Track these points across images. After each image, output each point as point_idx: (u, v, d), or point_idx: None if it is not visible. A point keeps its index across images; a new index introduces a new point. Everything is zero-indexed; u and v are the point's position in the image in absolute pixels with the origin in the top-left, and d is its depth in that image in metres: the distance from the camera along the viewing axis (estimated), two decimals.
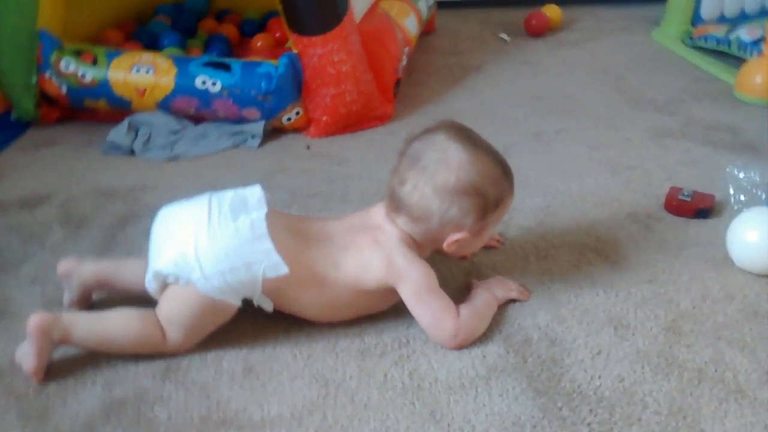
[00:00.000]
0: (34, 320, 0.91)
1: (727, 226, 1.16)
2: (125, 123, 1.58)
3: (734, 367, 0.94)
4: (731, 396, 0.90)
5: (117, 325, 0.95)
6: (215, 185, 1.41)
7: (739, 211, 1.19)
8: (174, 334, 0.95)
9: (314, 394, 0.90)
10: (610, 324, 1.02)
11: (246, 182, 1.41)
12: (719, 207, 1.32)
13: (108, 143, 1.56)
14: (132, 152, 1.55)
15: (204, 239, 0.94)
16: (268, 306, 0.97)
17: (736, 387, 0.91)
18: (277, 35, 2.03)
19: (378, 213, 1.03)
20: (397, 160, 1.01)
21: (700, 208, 1.29)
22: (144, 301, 0.99)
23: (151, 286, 0.97)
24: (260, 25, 2.14)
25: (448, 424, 0.86)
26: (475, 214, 0.97)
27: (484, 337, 0.99)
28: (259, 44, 1.98)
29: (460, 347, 0.97)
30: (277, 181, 1.44)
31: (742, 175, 1.31)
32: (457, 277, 1.12)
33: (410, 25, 2.00)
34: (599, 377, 0.93)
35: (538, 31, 2.40)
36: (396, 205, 0.99)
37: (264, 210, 0.97)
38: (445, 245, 0.99)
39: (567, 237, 1.23)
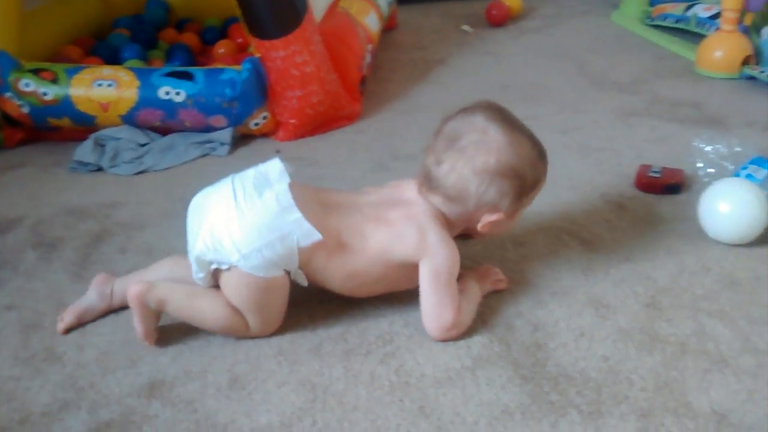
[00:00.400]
0: (133, 290, 0.96)
1: (698, 200, 1.18)
2: (91, 140, 1.56)
3: (716, 338, 0.96)
4: (715, 366, 0.91)
5: (206, 308, 0.98)
6: (187, 196, 1.40)
7: (709, 183, 1.20)
8: (251, 320, 0.97)
9: (302, 400, 0.90)
10: (591, 305, 1.03)
11: None
12: (689, 181, 1.33)
13: (75, 161, 1.54)
14: (100, 169, 1.53)
15: (234, 221, 0.94)
16: (303, 281, 0.98)
17: (718, 357, 0.92)
18: (239, 41, 2.02)
19: (410, 189, 1.03)
20: (433, 140, 1.01)
21: (670, 184, 1.30)
22: None
23: (198, 276, 0.98)
24: (221, 32, 2.12)
25: (438, 418, 0.86)
26: (512, 196, 0.98)
27: (468, 328, 0.99)
28: (221, 51, 1.97)
29: (448, 340, 0.97)
30: None
31: (708, 148, 1.33)
32: None
33: (371, 23, 2.00)
34: (584, 359, 0.93)
35: (500, 20, 2.42)
36: (431, 184, 1.00)
37: (286, 181, 0.97)
38: (479, 226, 1.00)
39: (542, 222, 1.24)
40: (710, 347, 0.94)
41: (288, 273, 0.97)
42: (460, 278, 1.03)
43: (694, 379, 0.89)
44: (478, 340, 0.97)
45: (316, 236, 0.94)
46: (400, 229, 0.98)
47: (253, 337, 0.99)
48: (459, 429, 0.84)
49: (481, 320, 1.01)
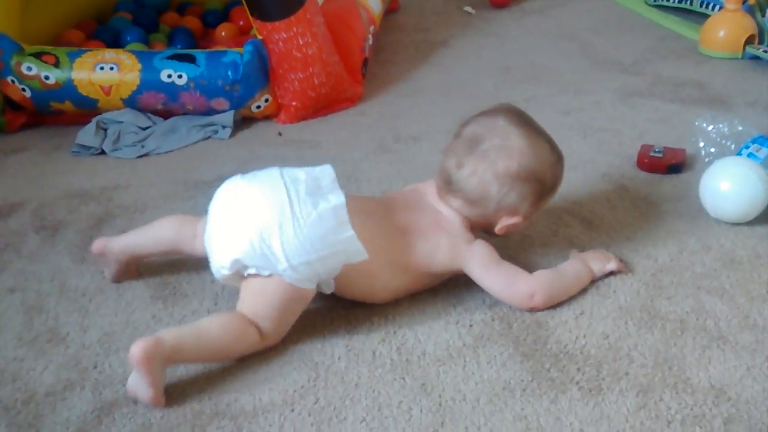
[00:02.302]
0: (138, 351, 0.83)
1: (700, 179, 1.18)
2: (93, 123, 1.56)
3: (715, 315, 0.96)
4: (714, 343, 0.91)
5: (217, 333, 0.91)
6: (189, 179, 1.41)
7: (710, 163, 1.20)
8: (268, 328, 0.93)
9: (304, 378, 0.91)
10: (591, 283, 1.03)
11: (220, 173, 1.42)
12: (691, 161, 1.33)
13: (77, 145, 1.54)
14: (102, 152, 1.53)
15: (290, 229, 0.91)
16: (328, 289, 0.97)
17: (718, 334, 0.93)
18: (241, 23, 2.01)
19: (430, 192, 1.04)
20: (452, 143, 1.02)
21: (672, 164, 1.30)
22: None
23: (222, 272, 0.95)
24: (223, 15, 2.12)
25: (440, 395, 0.87)
26: (532, 200, 1.00)
27: (469, 307, 1.00)
28: (223, 34, 1.96)
29: (538, 309, 0.97)
30: (251, 170, 1.41)
31: (710, 128, 1.33)
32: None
33: (374, 4, 1.99)
34: (584, 336, 0.94)
35: (502, 1, 2.40)
36: (451, 187, 1.00)
37: (342, 196, 0.95)
38: (497, 229, 1.01)
39: None
40: (710, 324, 0.95)
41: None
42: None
43: (693, 355, 0.90)
44: (479, 319, 0.98)
45: (364, 256, 0.94)
46: (433, 242, 0.99)
47: (262, 349, 0.94)
48: (460, 406, 0.85)
49: (482, 299, 1.01)
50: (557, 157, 1.02)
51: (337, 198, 0.95)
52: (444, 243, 0.99)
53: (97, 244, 1.08)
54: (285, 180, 0.96)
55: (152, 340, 0.85)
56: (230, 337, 0.91)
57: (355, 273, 0.95)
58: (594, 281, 1.03)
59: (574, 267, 1.03)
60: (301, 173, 0.98)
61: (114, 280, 1.09)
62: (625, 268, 1.05)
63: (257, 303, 0.93)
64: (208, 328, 0.91)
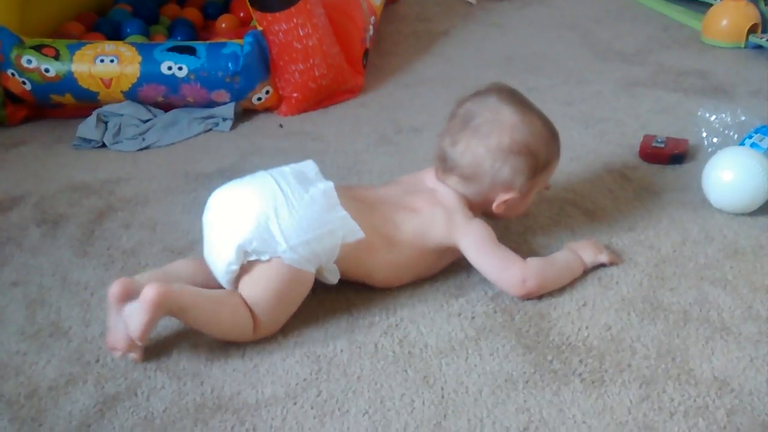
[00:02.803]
0: (151, 295, 0.86)
1: (702, 169, 1.17)
2: (94, 116, 1.56)
3: (718, 306, 0.96)
4: (717, 334, 0.91)
5: (228, 312, 0.92)
6: (190, 172, 1.41)
7: (713, 153, 1.20)
8: (264, 315, 0.93)
9: (307, 371, 0.90)
10: (594, 274, 1.03)
11: (221, 166, 1.42)
12: (693, 151, 1.33)
13: (78, 138, 1.54)
14: (103, 145, 1.53)
15: (285, 211, 0.93)
16: (334, 277, 0.97)
17: (721, 325, 0.93)
18: (241, 15, 2.00)
19: (429, 177, 1.05)
20: (448, 122, 1.04)
21: (674, 154, 1.30)
22: None
23: (230, 269, 0.93)
24: (224, 6, 2.11)
25: (442, 388, 0.86)
26: (526, 174, 1.00)
27: (471, 298, 1.00)
28: (223, 26, 1.96)
29: (530, 296, 0.98)
30: (252, 163, 1.43)
31: (713, 118, 1.32)
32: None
33: None
34: (587, 328, 0.94)
35: None
36: (447, 165, 1.02)
37: (330, 182, 0.98)
38: (494, 206, 1.02)
39: (545, 193, 1.22)
40: (713, 315, 0.94)
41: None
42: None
43: (696, 346, 0.90)
44: (481, 311, 0.98)
45: (360, 234, 0.95)
46: (428, 214, 1.00)
47: (255, 339, 0.94)
48: (462, 398, 0.85)
49: (484, 291, 1.01)
50: (551, 133, 1.03)
51: (326, 184, 0.98)
52: (440, 217, 0.99)
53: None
54: (273, 175, 0.99)
55: (168, 292, 0.88)
56: (233, 320, 0.93)
57: (354, 252, 0.96)
58: (586, 272, 1.03)
59: (566, 257, 1.03)
60: (286, 168, 1.00)
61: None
62: (617, 260, 1.05)
63: (256, 287, 0.94)
64: (219, 306, 0.93)
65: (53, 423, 0.86)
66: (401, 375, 0.89)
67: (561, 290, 1.00)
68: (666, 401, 0.82)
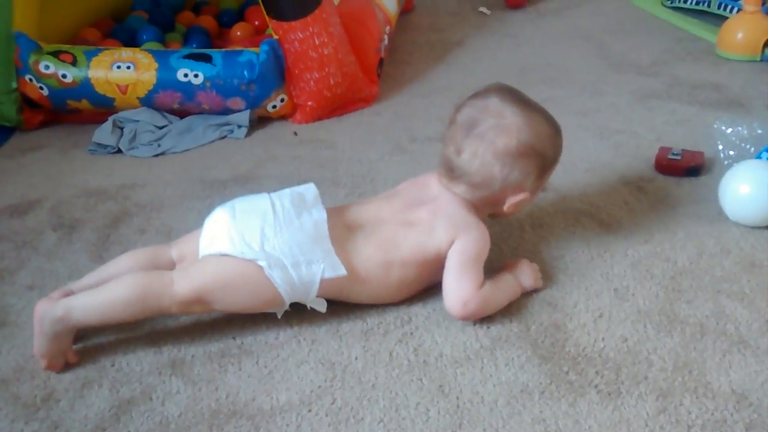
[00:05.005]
0: (38, 312, 0.91)
1: (719, 182, 1.17)
2: (110, 122, 1.57)
3: (735, 319, 0.95)
4: (734, 347, 0.91)
5: (117, 286, 0.93)
6: (205, 178, 1.41)
7: (729, 166, 1.19)
8: (188, 281, 0.92)
9: (321, 378, 0.90)
10: (610, 286, 1.03)
11: (236, 173, 1.42)
12: (709, 164, 1.32)
13: (94, 143, 1.55)
14: (119, 151, 1.54)
15: (270, 230, 0.94)
16: (321, 307, 0.98)
17: (738, 338, 0.92)
18: (257, 23, 2.01)
19: (434, 183, 1.04)
20: (448, 129, 1.02)
21: (690, 167, 1.29)
22: None
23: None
24: (238, 15, 2.12)
25: (457, 397, 0.86)
26: (535, 174, 1.00)
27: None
28: (238, 34, 1.97)
29: (466, 318, 0.97)
30: (266, 170, 1.43)
31: (729, 131, 1.32)
32: None
33: (389, 5, 1.99)
34: (603, 339, 0.93)
35: (518, 2, 2.39)
36: (454, 174, 1.01)
37: (324, 211, 0.98)
38: (506, 207, 1.02)
39: (560, 204, 1.23)
40: (730, 328, 0.94)
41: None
42: (497, 272, 1.02)
43: (713, 359, 0.89)
44: (496, 320, 0.97)
45: (341, 271, 0.95)
46: (428, 225, 0.99)
47: (167, 307, 0.93)
48: (478, 408, 0.84)
49: None
50: (555, 130, 1.02)
51: (319, 213, 0.97)
52: (441, 225, 0.98)
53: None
54: (270, 196, 0.99)
55: (60, 312, 0.90)
56: (132, 289, 0.92)
57: (342, 286, 0.96)
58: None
59: (509, 285, 1.00)
60: (286, 191, 1.01)
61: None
62: (541, 283, 1.02)
63: (215, 264, 0.94)
64: (114, 294, 0.92)
65: (69, 426, 0.86)
66: (416, 384, 0.89)
67: (576, 302, 1.00)
68: (683, 414, 0.82)
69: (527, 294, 1.02)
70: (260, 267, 0.93)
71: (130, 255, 1.03)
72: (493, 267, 1.03)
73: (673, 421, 0.81)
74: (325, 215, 0.97)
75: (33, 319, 0.92)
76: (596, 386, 0.86)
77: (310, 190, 1.01)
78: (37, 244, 1.23)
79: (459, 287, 0.96)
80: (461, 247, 0.97)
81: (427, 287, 1.02)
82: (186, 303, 0.93)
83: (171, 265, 1.00)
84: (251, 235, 0.94)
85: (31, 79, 1.57)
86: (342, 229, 0.98)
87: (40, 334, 0.91)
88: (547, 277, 1.05)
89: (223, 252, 0.94)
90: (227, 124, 1.59)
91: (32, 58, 1.57)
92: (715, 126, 1.34)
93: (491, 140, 0.98)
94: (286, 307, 0.97)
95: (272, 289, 0.94)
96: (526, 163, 0.98)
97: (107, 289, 0.93)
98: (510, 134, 0.98)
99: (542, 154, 1.00)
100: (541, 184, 1.04)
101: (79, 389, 0.91)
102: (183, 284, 0.93)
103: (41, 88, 1.58)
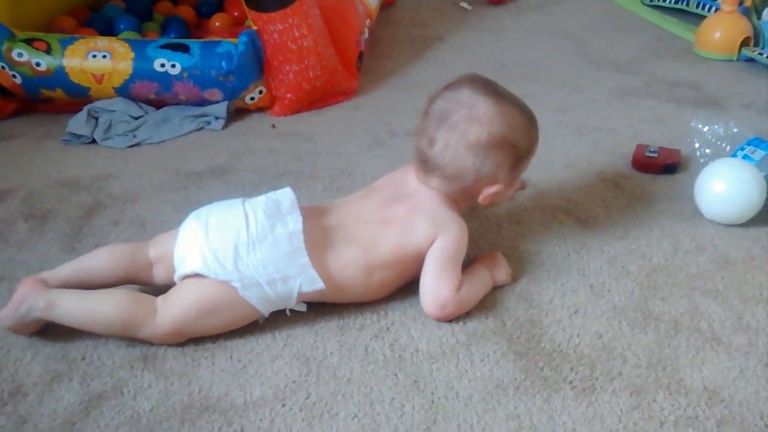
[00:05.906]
0: (21, 291, 0.93)
1: (695, 180, 1.18)
2: (84, 112, 1.55)
3: (709, 316, 0.96)
4: (707, 344, 0.91)
5: (105, 301, 0.93)
6: (181, 170, 1.39)
7: (705, 164, 1.20)
8: (169, 314, 0.91)
9: (296, 373, 0.90)
10: (585, 282, 1.03)
11: (212, 164, 1.41)
12: (685, 161, 1.33)
13: (68, 133, 1.53)
14: (93, 141, 1.52)
15: (243, 248, 0.92)
16: (301, 308, 0.97)
17: (711, 335, 0.93)
18: (236, 14, 1.99)
19: (411, 178, 1.03)
20: (422, 121, 1.01)
21: (667, 164, 1.30)
22: None
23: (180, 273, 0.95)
24: (217, 5, 2.10)
25: (432, 392, 0.86)
26: (509, 166, 0.99)
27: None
28: (217, 24, 1.94)
29: (442, 320, 0.96)
30: (243, 162, 1.42)
31: (706, 129, 1.32)
32: None
33: None
34: (578, 335, 0.93)
35: None
36: (427, 166, 1.00)
37: (300, 220, 0.95)
38: (480, 199, 1.01)
39: (538, 200, 1.23)
40: (703, 325, 0.94)
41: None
42: (472, 265, 1.02)
43: (687, 356, 0.90)
44: (472, 316, 0.97)
45: (319, 285, 0.94)
46: (408, 222, 0.97)
47: (147, 337, 0.92)
48: (452, 403, 0.84)
49: None
50: (528, 120, 1.01)
51: (294, 223, 0.95)
52: (422, 222, 0.97)
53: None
54: (244, 206, 0.96)
55: (41, 304, 0.92)
56: (117, 309, 0.92)
57: (322, 295, 0.95)
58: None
59: (484, 280, 1.00)
60: (261, 198, 0.98)
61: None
62: (510, 279, 1.03)
63: (191, 288, 0.93)
64: (96, 297, 0.93)
65: (37, 421, 0.84)
66: (391, 379, 0.88)
67: (552, 297, 1.00)
68: (656, 410, 0.82)
69: (503, 289, 1.02)
70: (235, 287, 0.92)
71: (108, 250, 1.02)
72: (470, 260, 1.03)
73: (647, 417, 0.81)
74: (300, 226, 0.94)
75: (13, 293, 0.93)
76: (571, 382, 0.86)
77: (286, 195, 0.98)
78: (7, 234, 1.21)
79: (437, 289, 0.95)
80: (440, 246, 0.96)
81: (407, 284, 1.02)
82: (166, 336, 0.93)
83: (149, 265, 0.99)
84: (224, 254, 0.92)
85: (3, 67, 1.54)
86: (320, 233, 0.96)
87: (13, 310, 0.92)
88: (524, 272, 1.05)
89: (196, 271, 0.92)
90: (204, 115, 1.57)
91: (5, 46, 1.53)
92: (692, 124, 1.35)
93: (463, 131, 0.97)
94: (266, 316, 0.96)
95: (249, 307, 0.93)
96: (498, 154, 0.98)
97: (94, 300, 0.93)
98: (482, 125, 0.96)
99: (515, 145, 0.99)
100: (516, 176, 1.03)
101: (48, 383, 0.89)
102: (164, 320, 0.92)
103: (14, 76, 1.55)
